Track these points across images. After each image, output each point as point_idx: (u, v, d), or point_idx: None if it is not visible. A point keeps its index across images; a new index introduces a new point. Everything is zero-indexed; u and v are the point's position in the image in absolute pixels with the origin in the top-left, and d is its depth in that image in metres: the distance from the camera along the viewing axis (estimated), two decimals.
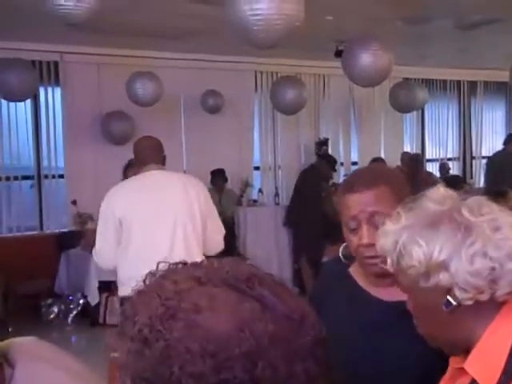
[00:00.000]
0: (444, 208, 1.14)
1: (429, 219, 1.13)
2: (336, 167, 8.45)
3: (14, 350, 1.25)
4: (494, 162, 9.65)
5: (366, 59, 5.83)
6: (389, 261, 1.17)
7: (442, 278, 1.10)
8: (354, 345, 1.58)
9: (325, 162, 8.21)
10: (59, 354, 1.33)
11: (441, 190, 1.19)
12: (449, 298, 1.11)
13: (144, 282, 0.78)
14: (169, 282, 0.76)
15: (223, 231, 3.94)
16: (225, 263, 0.80)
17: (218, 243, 3.89)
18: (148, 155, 3.77)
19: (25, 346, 1.30)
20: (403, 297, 1.24)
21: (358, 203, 1.55)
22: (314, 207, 7.55)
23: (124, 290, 3.52)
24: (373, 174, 1.66)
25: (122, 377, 0.73)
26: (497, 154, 9.75)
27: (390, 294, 1.53)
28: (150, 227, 3.61)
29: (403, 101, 8.78)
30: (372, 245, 1.41)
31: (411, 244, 1.12)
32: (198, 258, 3.32)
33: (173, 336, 0.70)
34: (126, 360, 0.72)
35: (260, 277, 0.78)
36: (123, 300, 3.48)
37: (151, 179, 3.74)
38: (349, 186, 1.60)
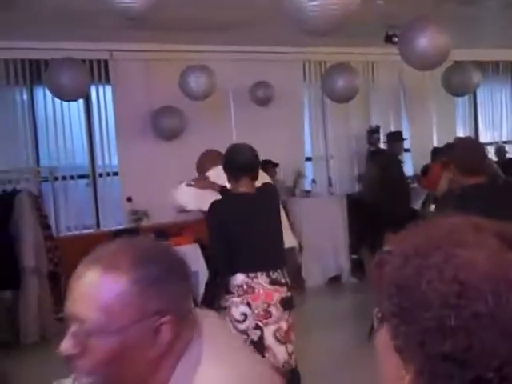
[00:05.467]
0: None
1: None
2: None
3: (205, 321, 1.38)
4: None
5: (424, 42, 5.68)
6: None
7: None
8: None
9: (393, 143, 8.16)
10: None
11: None
12: None
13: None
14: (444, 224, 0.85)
15: None
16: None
17: None
18: None
19: (214, 323, 1.42)
20: None
21: None
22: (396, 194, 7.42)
23: None
24: None
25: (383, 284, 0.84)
26: None
27: None
28: None
29: (457, 84, 8.59)
30: None
31: None
32: None
33: (429, 260, 0.79)
34: (384, 271, 0.85)
35: None
36: None
37: None
38: None
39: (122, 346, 1.22)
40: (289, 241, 4.56)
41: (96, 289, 1.23)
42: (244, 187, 3.75)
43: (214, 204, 3.67)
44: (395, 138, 8.37)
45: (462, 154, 3.67)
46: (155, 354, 1.25)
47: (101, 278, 1.23)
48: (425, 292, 0.77)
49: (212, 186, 4.18)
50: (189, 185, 4.43)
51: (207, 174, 4.43)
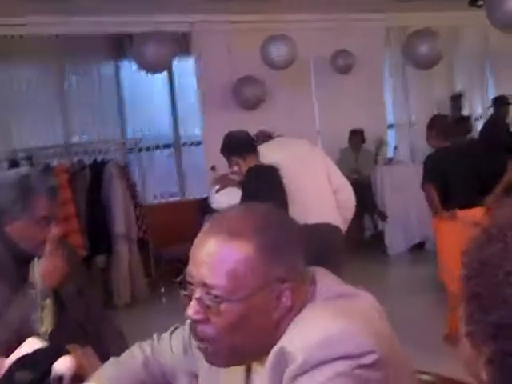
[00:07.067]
0: None
1: None
2: None
3: (318, 272, 1.36)
4: None
5: None
6: None
7: None
8: None
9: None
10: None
11: None
12: None
13: None
14: None
15: None
16: None
17: None
18: None
19: (327, 274, 1.39)
20: None
21: None
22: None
23: None
24: None
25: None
26: None
27: None
28: None
29: None
30: None
31: None
32: None
33: None
34: (469, 246, 0.75)
35: None
36: None
37: None
38: None
39: (247, 311, 1.23)
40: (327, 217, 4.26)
41: (223, 256, 1.24)
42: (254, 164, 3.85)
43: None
44: (502, 101, 8.21)
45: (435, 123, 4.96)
46: (277, 317, 1.26)
47: (227, 245, 1.24)
48: (501, 284, 0.68)
49: (232, 182, 4.35)
50: (217, 190, 4.58)
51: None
